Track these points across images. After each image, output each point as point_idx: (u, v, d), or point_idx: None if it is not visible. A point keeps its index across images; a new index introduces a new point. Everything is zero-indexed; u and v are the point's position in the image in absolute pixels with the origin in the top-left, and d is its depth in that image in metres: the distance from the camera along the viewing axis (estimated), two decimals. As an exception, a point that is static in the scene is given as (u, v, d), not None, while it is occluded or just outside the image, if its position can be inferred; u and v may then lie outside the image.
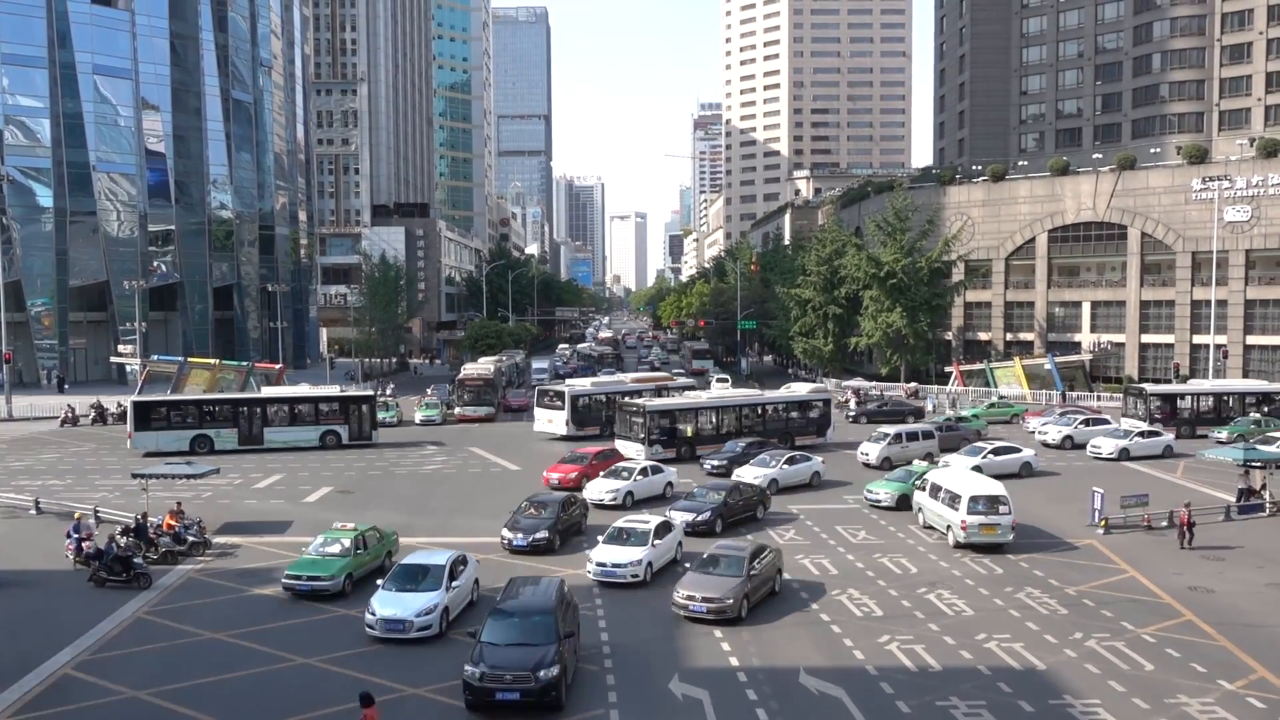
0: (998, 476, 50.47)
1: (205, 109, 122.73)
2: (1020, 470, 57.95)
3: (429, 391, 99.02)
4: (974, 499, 42.22)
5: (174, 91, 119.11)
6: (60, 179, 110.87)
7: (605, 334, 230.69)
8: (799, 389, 77.26)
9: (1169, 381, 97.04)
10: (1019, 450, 59.61)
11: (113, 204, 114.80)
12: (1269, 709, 26.22)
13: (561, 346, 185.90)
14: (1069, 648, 30.74)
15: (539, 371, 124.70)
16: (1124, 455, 63.87)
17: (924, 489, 47.40)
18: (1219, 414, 76.32)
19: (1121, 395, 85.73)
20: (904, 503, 49.47)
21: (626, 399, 69.55)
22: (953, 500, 43.23)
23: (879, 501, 50.32)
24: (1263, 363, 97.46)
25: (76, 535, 39.49)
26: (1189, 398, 78.05)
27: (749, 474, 54.31)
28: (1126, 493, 47.73)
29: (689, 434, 65.79)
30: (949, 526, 43.26)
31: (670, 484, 53.21)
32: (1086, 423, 71.87)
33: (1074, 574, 38.58)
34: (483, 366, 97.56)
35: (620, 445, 63.91)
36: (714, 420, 67.73)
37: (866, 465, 62.06)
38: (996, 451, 58.43)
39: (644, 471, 52.45)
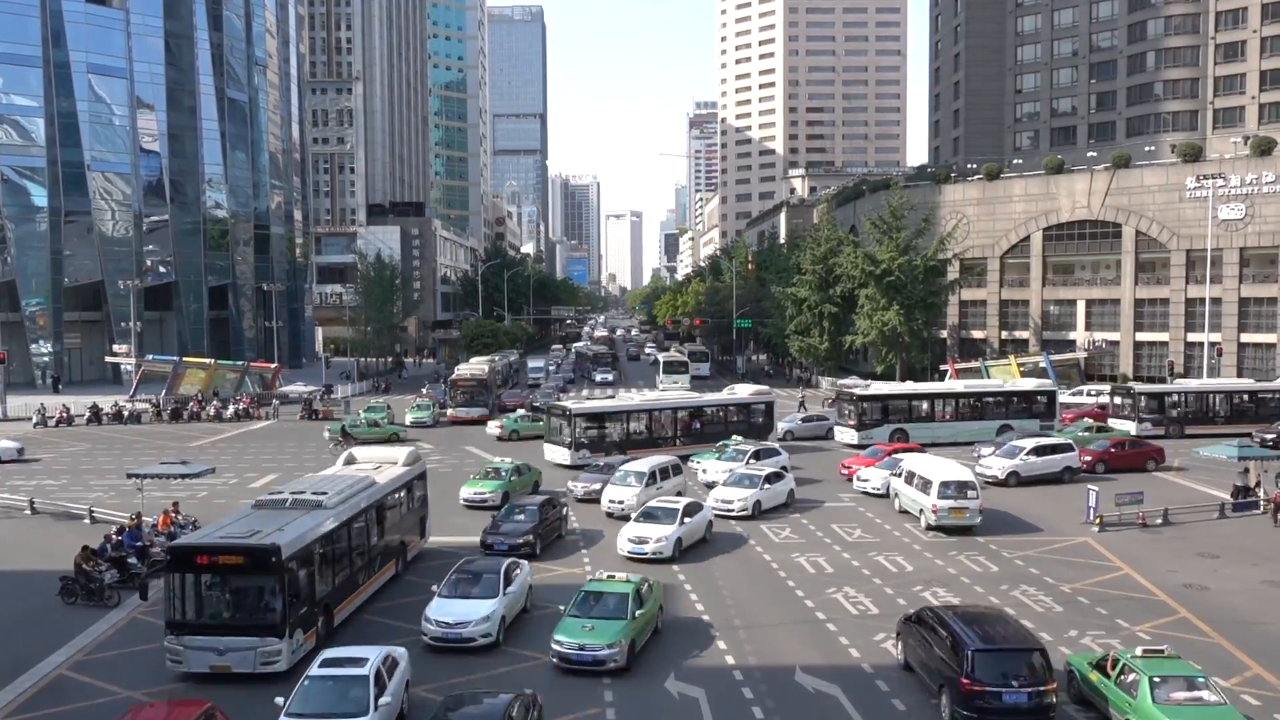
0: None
1: (200, 108, 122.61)
2: (706, 535, 43.28)
3: (424, 391, 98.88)
4: (944, 484, 44.60)
5: (169, 90, 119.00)
6: (55, 178, 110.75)
7: (601, 333, 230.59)
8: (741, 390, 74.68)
9: (1163, 380, 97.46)
10: (702, 507, 44.03)
11: (108, 203, 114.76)
12: (1264, 705, 26.31)
13: (555, 347, 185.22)
14: (1065, 645, 30.73)
15: (534, 370, 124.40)
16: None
17: (900, 476, 49.28)
18: (651, 434, 66.21)
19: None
20: None
21: None
22: (925, 486, 45.67)
23: None
24: (1257, 360, 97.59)
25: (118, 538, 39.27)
26: (619, 416, 66.79)
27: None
28: (1121, 490, 47.90)
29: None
30: (921, 510, 45.73)
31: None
32: (758, 455, 56.95)
33: (1069, 571, 38.66)
34: (476, 366, 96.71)
35: None
36: None
37: (611, 515, 47.63)
38: (689, 512, 42.42)
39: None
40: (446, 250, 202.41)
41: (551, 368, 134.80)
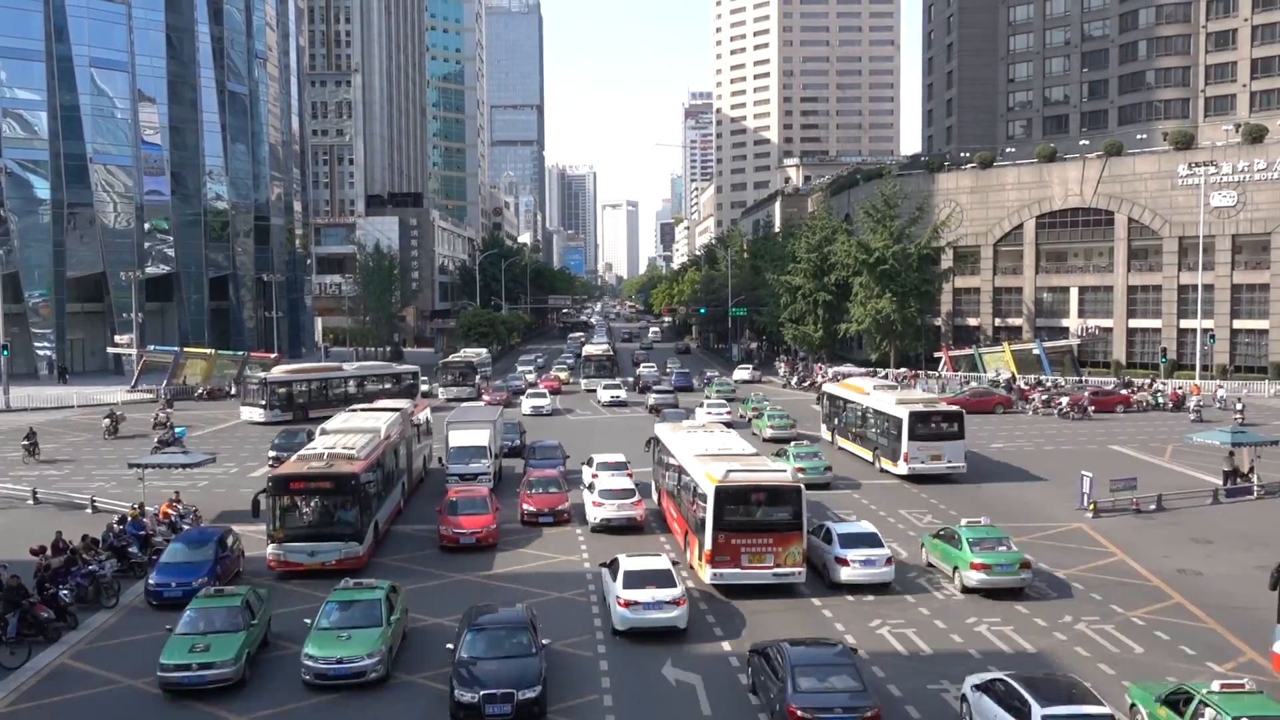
0: None
1: (201, 101, 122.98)
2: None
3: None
4: None
5: (170, 84, 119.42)
6: (58, 171, 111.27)
7: (600, 347, 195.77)
8: None
9: (1156, 368, 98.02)
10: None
11: (109, 195, 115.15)
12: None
13: (524, 358, 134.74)
14: (1059, 631, 31.21)
15: (516, 377, 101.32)
16: None
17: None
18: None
19: None
20: None
21: None
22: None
23: None
24: (1249, 347, 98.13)
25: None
26: None
27: None
28: (1115, 476, 48.28)
29: None
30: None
31: None
32: None
33: (1063, 557, 38.96)
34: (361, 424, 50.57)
35: None
36: None
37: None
38: None
39: None
40: (444, 240, 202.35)
41: (530, 374, 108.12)
